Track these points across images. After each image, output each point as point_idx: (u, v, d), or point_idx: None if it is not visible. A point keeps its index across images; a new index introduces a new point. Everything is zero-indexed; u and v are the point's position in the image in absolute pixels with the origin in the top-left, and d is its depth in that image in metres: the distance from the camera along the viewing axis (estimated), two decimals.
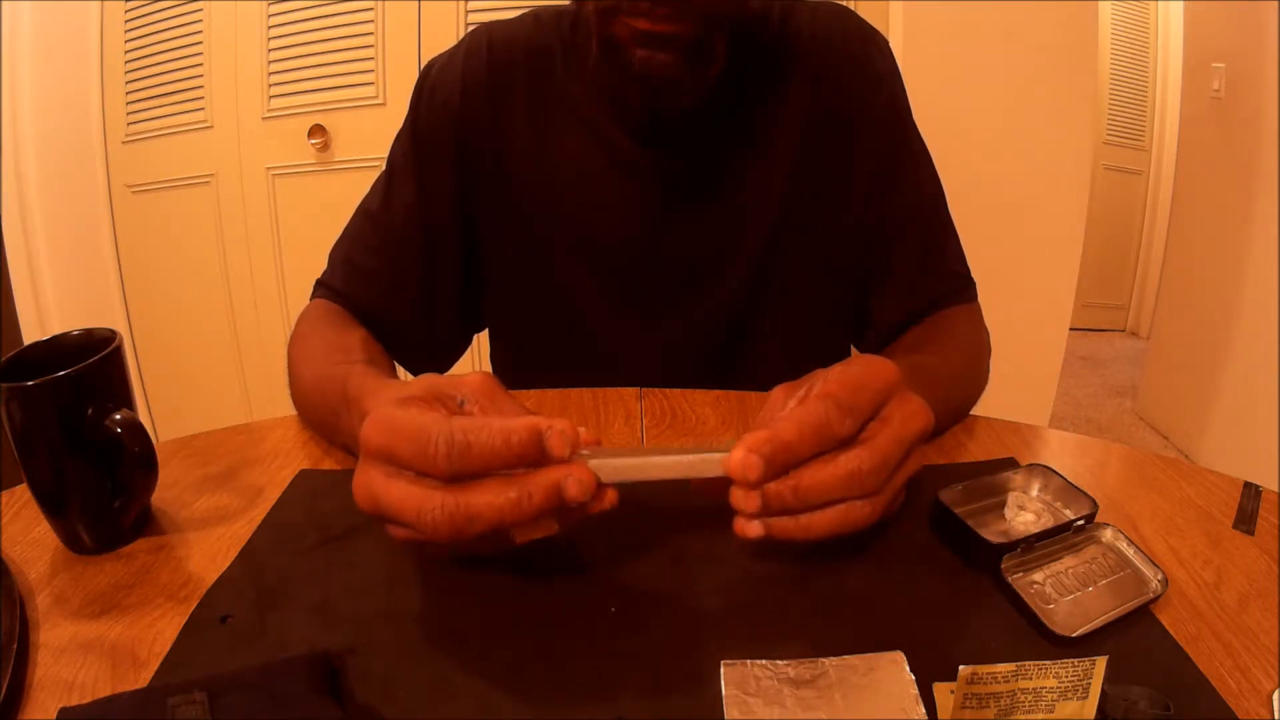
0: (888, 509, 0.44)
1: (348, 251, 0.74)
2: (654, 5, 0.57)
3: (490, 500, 0.37)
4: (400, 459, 0.39)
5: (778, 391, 0.47)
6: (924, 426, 0.45)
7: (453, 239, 0.74)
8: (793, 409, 0.43)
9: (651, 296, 0.74)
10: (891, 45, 0.74)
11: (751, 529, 0.41)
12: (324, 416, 0.59)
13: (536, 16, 0.74)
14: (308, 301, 0.74)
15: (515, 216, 0.74)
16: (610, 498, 0.40)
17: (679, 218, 0.72)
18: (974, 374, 0.69)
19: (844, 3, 1.59)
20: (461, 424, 0.38)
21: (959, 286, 0.75)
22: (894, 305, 0.74)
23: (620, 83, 0.64)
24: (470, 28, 0.77)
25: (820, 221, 0.72)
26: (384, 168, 0.76)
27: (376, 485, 0.39)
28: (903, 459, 0.44)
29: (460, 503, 0.37)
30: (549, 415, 0.40)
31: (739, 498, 0.40)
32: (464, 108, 0.72)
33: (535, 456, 0.37)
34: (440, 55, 0.75)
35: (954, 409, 0.64)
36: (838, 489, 0.41)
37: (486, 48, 0.73)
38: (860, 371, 0.44)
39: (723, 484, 0.41)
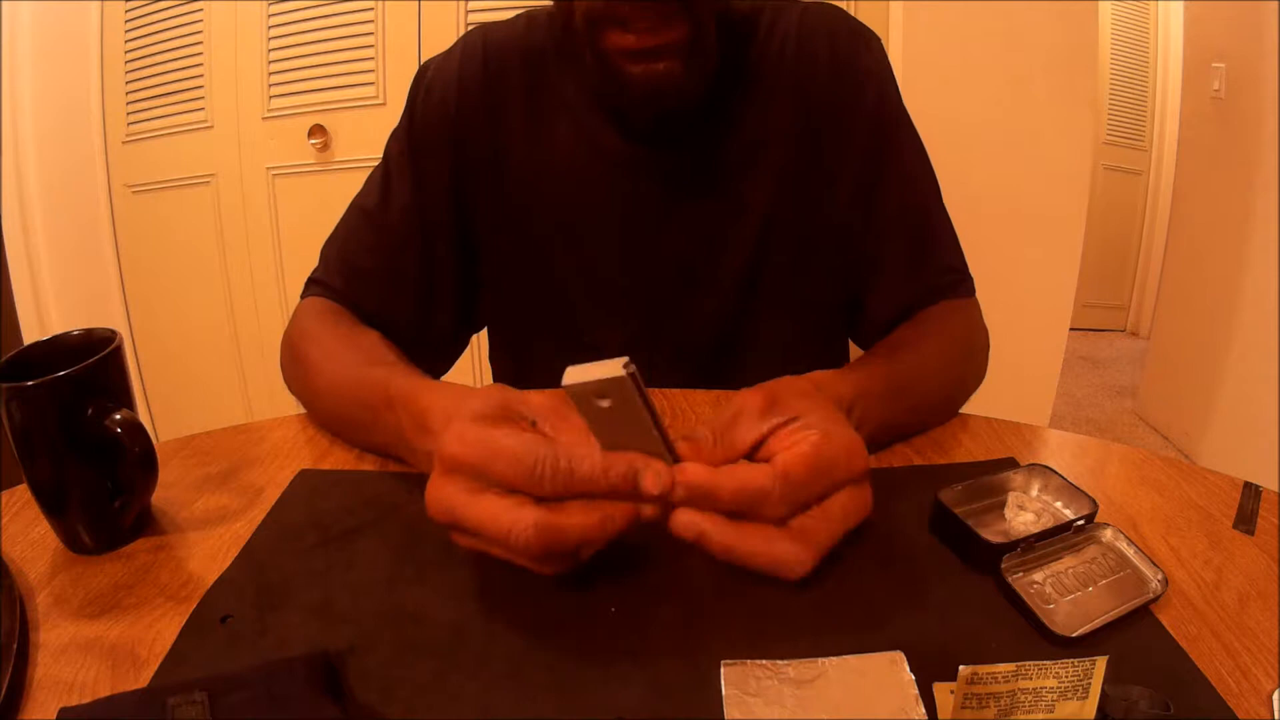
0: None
1: (344, 250, 0.74)
2: (635, 17, 0.58)
3: (579, 521, 0.39)
4: (496, 476, 0.40)
5: (747, 404, 0.45)
6: (857, 522, 0.45)
7: (450, 238, 0.74)
8: (743, 468, 0.42)
9: (647, 293, 0.75)
10: (891, 45, 0.74)
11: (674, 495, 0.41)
12: (355, 415, 0.59)
13: (529, 18, 0.75)
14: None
15: (512, 215, 0.74)
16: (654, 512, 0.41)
17: (673, 215, 0.72)
18: (961, 373, 0.69)
19: (845, 2, 1.60)
20: (566, 451, 0.40)
21: (953, 281, 0.74)
22: (886, 300, 0.74)
23: (619, 91, 0.64)
24: (470, 28, 0.77)
25: (811, 217, 0.73)
26: (379, 166, 0.76)
27: (457, 500, 0.41)
28: (824, 527, 0.43)
29: (551, 523, 0.39)
30: None
31: (680, 527, 0.41)
32: (460, 107, 0.72)
33: (628, 491, 0.39)
34: (436, 57, 0.76)
35: (937, 410, 0.64)
36: (760, 565, 0.42)
37: (481, 48, 0.73)
38: (829, 455, 0.43)
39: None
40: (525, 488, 0.40)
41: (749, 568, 0.42)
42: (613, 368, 0.37)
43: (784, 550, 0.42)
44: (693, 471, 0.40)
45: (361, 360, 0.62)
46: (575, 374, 0.38)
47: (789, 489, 0.42)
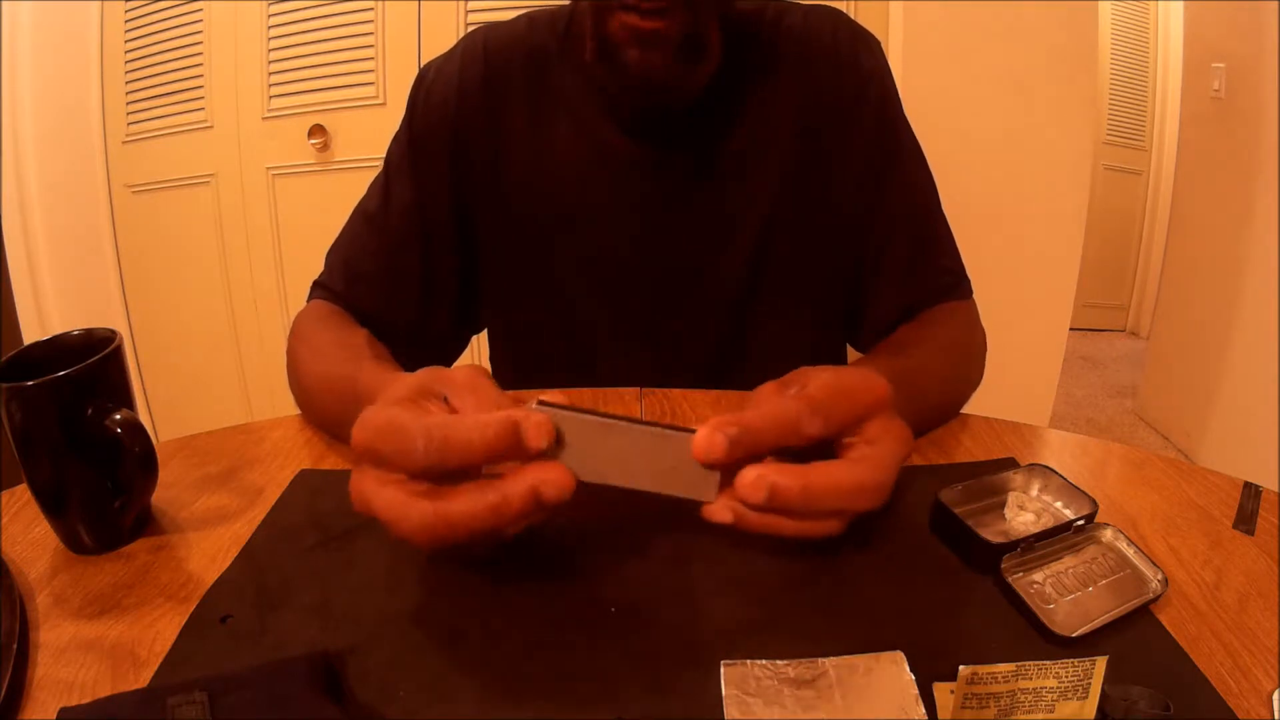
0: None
1: (346, 254, 0.75)
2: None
3: (467, 509, 0.37)
4: (382, 458, 0.39)
5: (764, 388, 0.47)
6: (907, 451, 0.44)
7: (451, 240, 0.75)
8: (767, 399, 0.43)
9: (648, 294, 0.75)
10: (891, 45, 0.74)
11: (719, 514, 0.40)
12: (335, 412, 0.59)
13: (530, 19, 0.75)
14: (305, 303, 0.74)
15: (513, 216, 0.74)
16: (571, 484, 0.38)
17: (675, 213, 0.72)
18: (961, 375, 0.69)
19: (845, 2, 1.60)
20: (438, 420, 0.38)
21: (951, 283, 0.75)
22: (886, 302, 0.74)
23: (617, 83, 0.65)
24: (470, 28, 0.77)
25: (812, 216, 0.73)
26: (380, 170, 0.76)
27: (367, 489, 0.40)
28: (878, 450, 0.43)
29: (437, 512, 0.37)
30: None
31: (749, 487, 0.39)
32: (461, 108, 0.72)
33: (512, 450, 0.37)
34: (436, 59, 0.76)
35: (937, 411, 0.64)
36: (842, 499, 0.41)
37: (482, 49, 0.73)
38: (847, 381, 0.44)
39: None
40: (402, 464, 0.38)
41: (830, 506, 0.40)
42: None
43: (859, 476, 0.41)
44: (717, 419, 0.39)
45: (345, 358, 0.62)
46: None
47: (814, 406, 0.41)
